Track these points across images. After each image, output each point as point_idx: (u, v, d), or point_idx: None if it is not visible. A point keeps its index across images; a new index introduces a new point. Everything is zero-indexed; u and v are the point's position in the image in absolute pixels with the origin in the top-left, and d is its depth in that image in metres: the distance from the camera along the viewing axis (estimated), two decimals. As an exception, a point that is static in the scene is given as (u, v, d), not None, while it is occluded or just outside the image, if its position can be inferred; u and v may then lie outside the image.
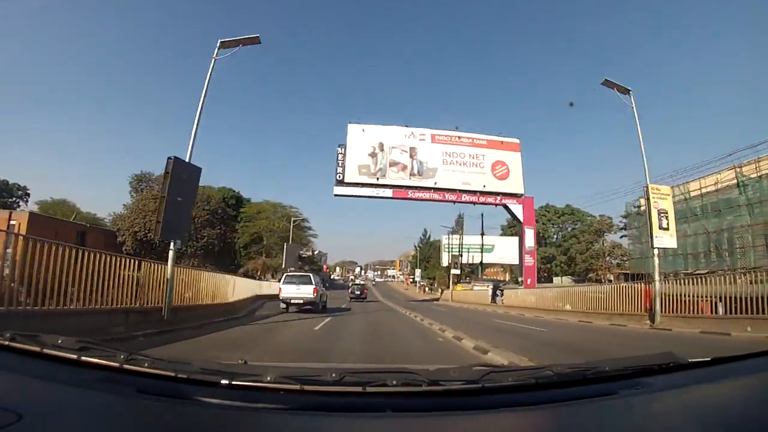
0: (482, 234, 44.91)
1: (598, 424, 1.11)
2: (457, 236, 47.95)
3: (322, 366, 2.33)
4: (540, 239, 64.40)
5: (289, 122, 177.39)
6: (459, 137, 33.60)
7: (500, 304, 31.11)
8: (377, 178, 30.49)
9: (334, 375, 1.19)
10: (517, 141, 35.40)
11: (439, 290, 69.83)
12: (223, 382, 1.10)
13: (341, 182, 30.34)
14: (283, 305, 17.17)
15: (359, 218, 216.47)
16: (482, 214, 44.61)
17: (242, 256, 60.67)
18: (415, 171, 31.45)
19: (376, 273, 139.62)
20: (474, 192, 32.19)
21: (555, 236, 63.77)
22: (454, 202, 31.84)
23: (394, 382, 1.17)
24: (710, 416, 1.10)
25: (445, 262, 50.77)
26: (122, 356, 1.18)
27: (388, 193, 30.65)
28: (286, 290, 17.13)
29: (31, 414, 0.88)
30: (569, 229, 63.26)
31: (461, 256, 42.15)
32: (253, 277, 48.76)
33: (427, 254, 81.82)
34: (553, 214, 62.83)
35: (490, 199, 32.69)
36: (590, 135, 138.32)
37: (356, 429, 1.03)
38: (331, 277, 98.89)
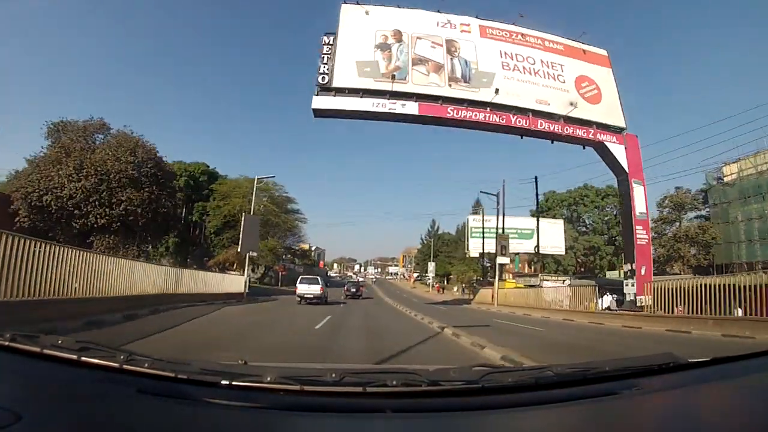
0: (537, 210, 30.39)
1: (598, 424, 1.07)
2: (492, 217, 33.64)
3: (322, 366, 2.00)
4: (577, 225, 50.37)
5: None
6: (523, 34, 19.29)
7: (615, 311, 17.12)
8: (392, 78, 16.08)
9: (334, 375, 1.13)
10: (604, 53, 21.25)
11: (455, 288, 55.35)
12: (223, 382, 1.04)
13: (326, 88, 15.94)
14: (298, 299, 19.90)
15: (354, 190, 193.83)
16: (536, 177, 30.43)
17: (214, 245, 46.33)
18: (458, 74, 16.99)
19: (376, 270, 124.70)
20: (556, 117, 17.80)
21: (593, 222, 49.54)
22: (524, 132, 17.29)
23: (394, 383, 1.10)
24: (710, 416, 1.05)
25: (473, 252, 36.34)
26: (122, 356, 1.12)
27: (412, 107, 16.17)
28: (301, 288, 20.11)
29: (31, 414, 0.84)
30: (614, 214, 49.02)
31: (501, 235, 27.52)
32: (226, 271, 35.21)
33: (436, 248, 67.49)
34: (594, 195, 48.48)
35: (580, 132, 18.31)
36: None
37: (356, 429, 0.98)
38: (328, 274, 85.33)
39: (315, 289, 19.74)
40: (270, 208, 44.27)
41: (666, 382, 1.26)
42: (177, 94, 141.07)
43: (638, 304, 17.87)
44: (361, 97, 15.74)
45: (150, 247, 36.75)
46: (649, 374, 1.29)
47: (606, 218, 48.44)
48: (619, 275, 42.28)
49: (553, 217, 44.69)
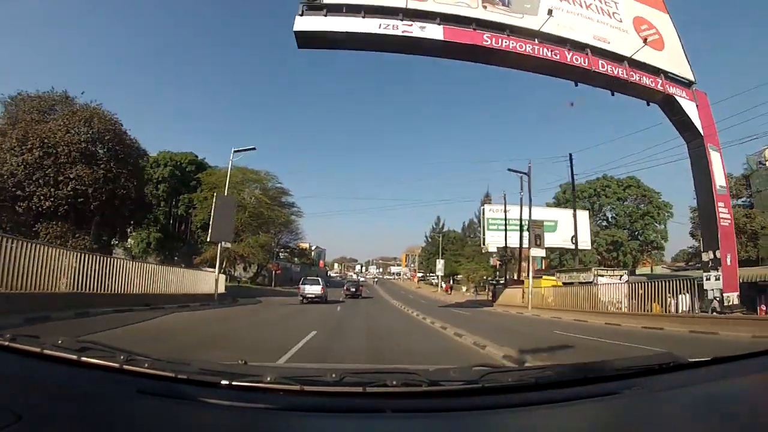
0: (573, 194, 26.10)
1: (598, 424, 1.06)
2: (512, 207, 29.30)
3: (323, 366, 2.06)
4: (597, 219, 45.98)
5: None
6: (568, -37, 14.95)
7: (725, 316, 12.84)
8: (406, -2, 11.55)
9: (334, 375, 1.12)
10: (660, -5, 16.91)
11: (464, 288, 50.96)
12: (224, 382, 1.03)
13: (315, 5, 11.51)
14: (300, 297, 21.63)
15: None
16: (570, 155, 26.26)
17: (201, 241, 41.95)
18: (495, -5, 12.63)
19: (378, 270, 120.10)
20: (618, 57, 13.49)
21: (616, 215, 45.16)
22: (581, 74, 12.79)
23: (394, 383, 1.08)
24: (710, 416, 1.03)
25: (491, 246, 32.00)
26: (122, 356, 1.10)
27: (434, 31, 11.75)
28: (303, 288, 22.12)
29: (31, 414, 0.83)
30: (638, 207, 44.62)
31: (535, 221, 23.16)
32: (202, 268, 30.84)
33: (442, 246, 63.04)
34: (616, 186, 44.11)
35: (647, 80, 14.01)
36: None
37: (356, 429, 0.96)
38: (328, 274, 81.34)
39: (316, 289, 21.86)
40: (262, 200, 39.95)
41: (666, 382, 1.23)
42: (174, 90, 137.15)
43: (725, 303, 13.58)
44: (363, 16, 11.36)
45: (127, 238, 32.49)
46: (649, 374, 1.26)
47: (628, 210, 44.07)
48: (651, 270, 38.00)
49: (578, 204, 40.32)
